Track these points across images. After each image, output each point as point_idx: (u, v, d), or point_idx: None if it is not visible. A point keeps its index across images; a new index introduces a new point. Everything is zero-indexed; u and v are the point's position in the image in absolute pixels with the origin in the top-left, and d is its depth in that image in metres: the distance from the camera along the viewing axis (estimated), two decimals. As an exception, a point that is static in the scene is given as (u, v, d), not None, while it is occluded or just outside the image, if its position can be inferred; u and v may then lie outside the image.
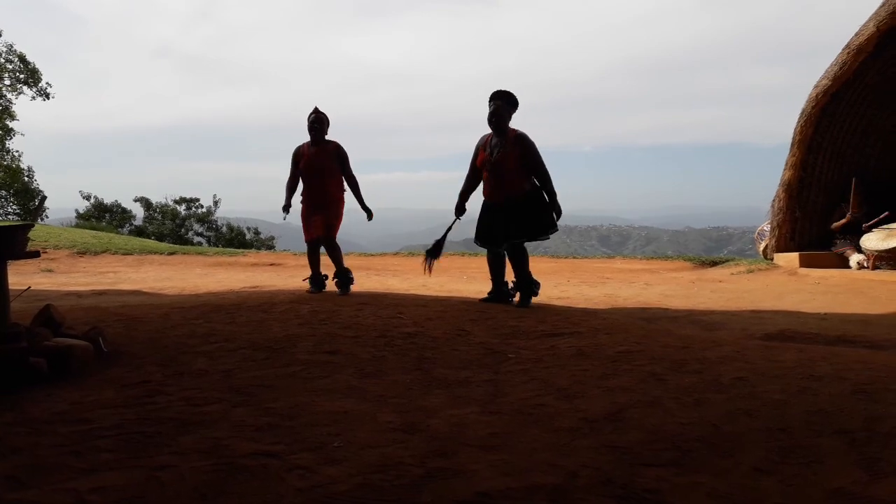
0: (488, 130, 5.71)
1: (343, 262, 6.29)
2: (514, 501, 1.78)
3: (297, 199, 6.28)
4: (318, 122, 6.13)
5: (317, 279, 6.34)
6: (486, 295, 5.88)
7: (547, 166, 5.60)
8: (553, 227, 5.66)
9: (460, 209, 5.91)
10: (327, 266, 6.37)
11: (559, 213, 5.62)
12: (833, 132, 9.83)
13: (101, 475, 1.96)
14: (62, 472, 1.98)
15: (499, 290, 5.79)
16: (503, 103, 5.60)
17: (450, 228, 6.06)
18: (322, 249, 6.29)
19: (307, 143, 6.22)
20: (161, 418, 2.51)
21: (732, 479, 1.93)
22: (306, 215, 6.23)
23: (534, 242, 5.78)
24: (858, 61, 8.95)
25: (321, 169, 6.09)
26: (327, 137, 6.24)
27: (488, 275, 5.88)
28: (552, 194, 5.59)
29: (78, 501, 1.78)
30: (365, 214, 6.37)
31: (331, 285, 6.34)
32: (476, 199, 5.91)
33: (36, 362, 3.05)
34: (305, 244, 6.35)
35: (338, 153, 6.16)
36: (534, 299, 5.70)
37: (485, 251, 5.92)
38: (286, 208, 6.22)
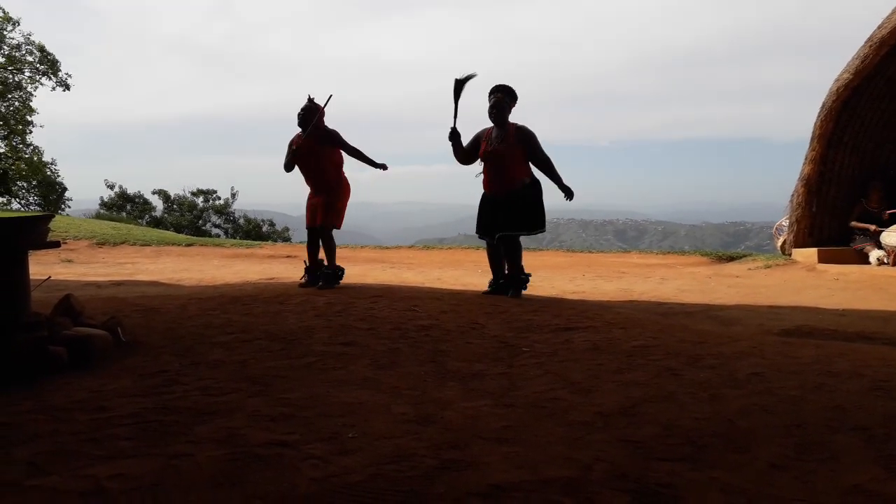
0: (490, 124, 5.77)
1: (335, 257, 6.21)
2: (527, 494, 1.79)
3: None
4: (304, 111, 6.11)
5: (312, 271, 6.25)
6: (486, 288, 5.90)
7: (552, 157, 5.66)
8: (542, 227, 5.71)
9: (456, 135, 5.79)
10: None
11: (570, 192, 5.66)
12: (853, 127, 9.69)
13: (118, 462, 1.98)
14: (81, 459, 2.01)
15: (498, 281, 5.82)
16: (504, 96, 5.67)
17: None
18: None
19: (300, 132, 6.19)
20: (177, 407, 2.53)
21: (747, 475, 1.91)
22: (308, 201, 6.24)
23: (548, 236, 5.80)
24: (880, 55, 8.79)
25: (312, 154, 6.07)
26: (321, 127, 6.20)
27: (502, 269, 5.89)
28: (558, 178, 5.64)
29: (96, 488, 1.81)
30: (381, 170, 6.26)
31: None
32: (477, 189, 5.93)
33: (56, 351, 3.09)
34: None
35: (326, 134, 6.11)
36: (544, 293, 5.72)
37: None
38: (288, 163, 6.19)
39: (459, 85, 5.69)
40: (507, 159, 5.60)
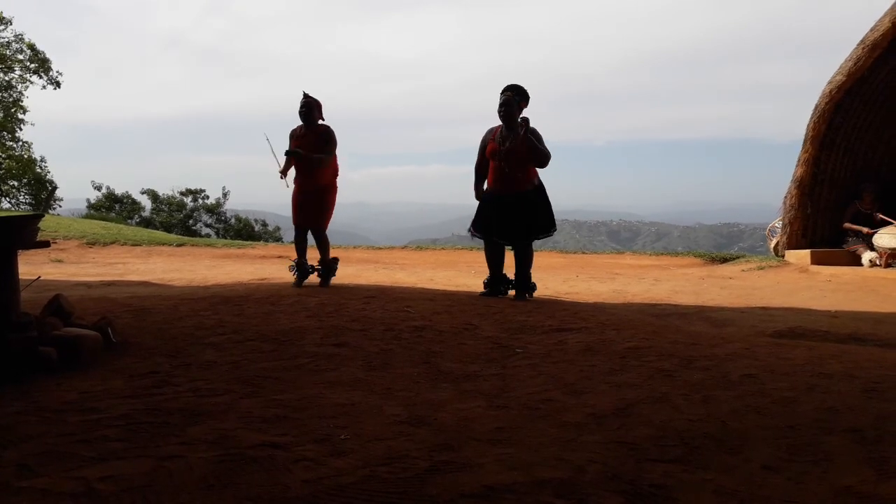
0: (495, 124, 5.73)
1: (329, 254, 6.29)
2: (520, 495, 1.78)
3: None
4: (305, 106, 6.12)
5: (301, 267, 6.28)
6: (483, 289, 5.89)
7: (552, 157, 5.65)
8: (554, 227, 5.72)
9: (479, 193, 5.89)
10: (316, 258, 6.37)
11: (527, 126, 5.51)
12: (846, 129, 9.73)
13: (109, 464, 1.97)
14: (71, 461, 1.99)
15: (497, 281, 5.80)
16: (514, 95, 5.61)
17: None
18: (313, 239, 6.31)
19: (300, 125, 6.22)
20: (169, 409, 2.52)
21: (740, 476, 1.92)
22: (296, 199, 6.24)
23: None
24: (873, 57, 8.84)
25: (312, 150, 6.05)
26: (322, 122, 6.21)
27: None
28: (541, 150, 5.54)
29: (87, 489, 1.79)
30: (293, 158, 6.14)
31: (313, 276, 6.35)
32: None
33: (46, 352, 3.07)
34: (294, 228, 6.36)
35: (324, 135, 6.11)
36: (538, 294, 5.73)
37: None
38: (282, 173, 6.17)
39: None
40: (518, 161, 5.53)
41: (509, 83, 5.71)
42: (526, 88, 5.67)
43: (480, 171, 5.84)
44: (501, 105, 5.60)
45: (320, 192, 6.15)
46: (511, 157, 5.53)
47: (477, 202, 5.90)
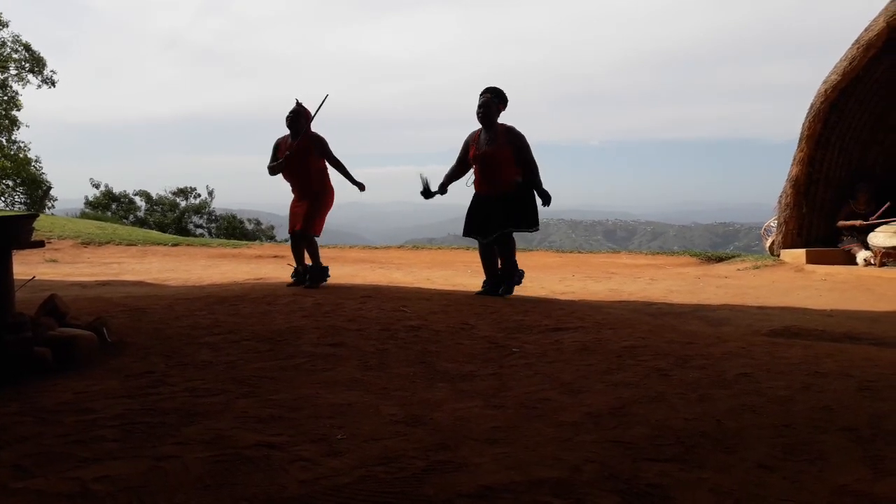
0: (479, 126, 5.79)
1: (319, 257, 6.25)
2: (517, 495, 1.78)
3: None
4: (293, 113, 6.12)
5: (299, 272, 6.29)
6: (480, 288, 5.93)
7: (537, 159, 5.70)
8: (536, 225, 5.76)
9: (443, 189, 6.03)
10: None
11: (548, 199, 5.67)
12: (841, 128, 9.75)
13: (105, 464, 1.96)
14: (67, 461, 1.99)
15: (493, 281, 5.83)
16: (492, 97, 5.67)
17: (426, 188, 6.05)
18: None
19: (287, 135, 6.21)
20: (164, 409, 2.51)
21: (736, 475, 1.92)
22: (292, 206, 6.26)
23: (538, 236, 5.82)
24: (868, 57, 8.86)
25: (299, 159, 6.06)
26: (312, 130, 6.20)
27: (493, 270, 5.90)
28: (539, 185, 5.66)
29: (82, 490, 1.79)
30: (359, 189, 6.32)
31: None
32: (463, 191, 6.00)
33: (41, 352, 3.06)
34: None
35: (315, 141, 6.11)
36: (534, 294, 5.76)
37: None
38: (277, 166, 6.11)
39: (427, 191, 5.98)
40: (498, 161, 5.62)
41: (489, 86, 5.74)
42: (504, 91, 5.73)
43: (451, 172, 5.97)
44: (480, 107, 5.67)
45: (314, 195, 6.15)
46: (491, 160, 5.62)
47: (440, 191, 6.02)
